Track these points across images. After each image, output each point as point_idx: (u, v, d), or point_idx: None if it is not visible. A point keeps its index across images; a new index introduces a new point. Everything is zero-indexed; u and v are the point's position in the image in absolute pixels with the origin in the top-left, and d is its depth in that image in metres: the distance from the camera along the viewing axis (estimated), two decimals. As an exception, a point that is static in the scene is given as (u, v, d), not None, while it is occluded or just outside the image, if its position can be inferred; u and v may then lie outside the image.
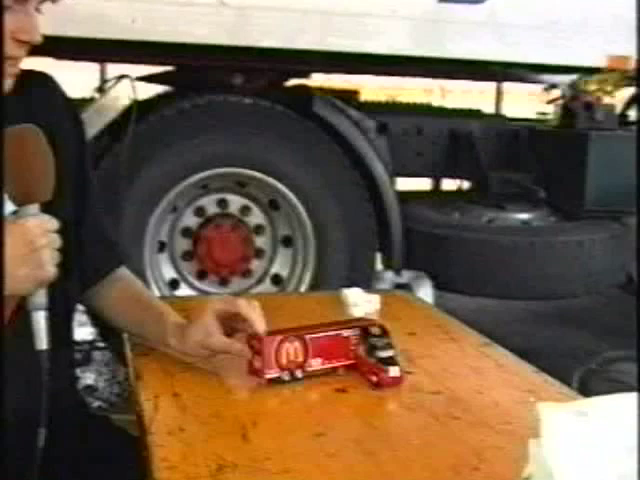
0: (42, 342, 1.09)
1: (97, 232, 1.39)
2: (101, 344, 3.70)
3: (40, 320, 1.10)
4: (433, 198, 4.25)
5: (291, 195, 3.40)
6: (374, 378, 1.26)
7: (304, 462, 1.01)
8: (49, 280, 1.10)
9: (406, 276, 3.52)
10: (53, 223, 1.10)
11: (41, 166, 1.11)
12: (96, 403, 3.19)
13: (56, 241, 1.10)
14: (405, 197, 3.77)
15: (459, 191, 4.38)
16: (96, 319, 3.29)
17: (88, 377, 3.51)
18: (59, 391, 1.17)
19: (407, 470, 1.00)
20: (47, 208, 1.11)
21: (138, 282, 1.46)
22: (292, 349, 1.28)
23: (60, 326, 1.24)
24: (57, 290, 1.16)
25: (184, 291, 3.46)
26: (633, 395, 0.66)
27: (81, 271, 1.33)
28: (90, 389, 3.36)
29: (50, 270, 1.09)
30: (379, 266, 3.70)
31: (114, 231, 1.49)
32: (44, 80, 1.31)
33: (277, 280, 3.56)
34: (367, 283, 3.28)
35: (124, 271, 1.45)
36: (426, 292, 3.35)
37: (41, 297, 1.11)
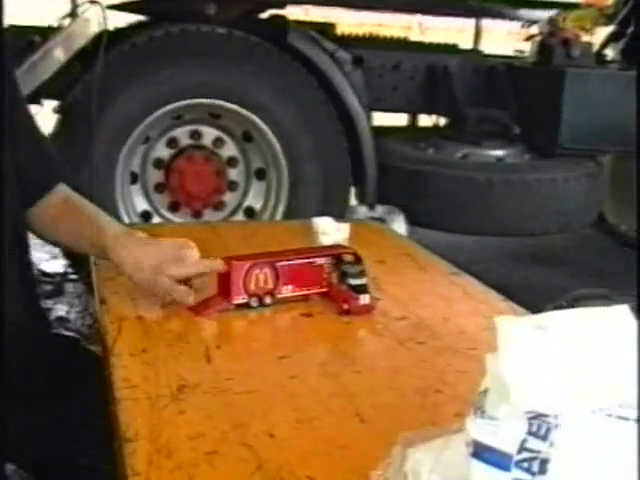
0: None
1: (33, 150, 1.34)
2: (73, 276, 3.68)
3: None
4: (408, 133, 4.23)
5: (265, 127, 3.36)
6: (345, 305, 1.26)
7: (266, 383, 1.01)
8: None
9: (380, 211, 3.50)
10: None
11: None
12: (68, 335, 3.19)
13: None
14: (380, 132, 3.74)
15: (435, 127, 4.35)
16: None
17: (60, 309, 3.49)
18: (13, 311, 1.16)
19: (371, 392, 1.00)
20: None
21: (75, 195, 1.40)
22: (262, 275, 1.27)
23: (11, 246, 1.22)
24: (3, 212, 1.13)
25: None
26: (594, 310, 0.66)
27: (21, 191, 1.28)
28: (62, 320, 3.35)
29: None
30: (353, 201, 3.69)
31: (86, 158, 1.43)
32: None
33: (250, 213, 3.54)
34: (340, 217, 3.26)
35: (62, 187, 1.40)
36: (399, 227, 3.34)
37: None
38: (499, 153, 3.82)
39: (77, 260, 3.25)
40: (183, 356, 1.08)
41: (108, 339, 1.13)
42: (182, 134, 3.44)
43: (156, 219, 3.46)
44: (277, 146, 3.38)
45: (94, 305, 1.37)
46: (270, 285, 1.28)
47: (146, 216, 3.46)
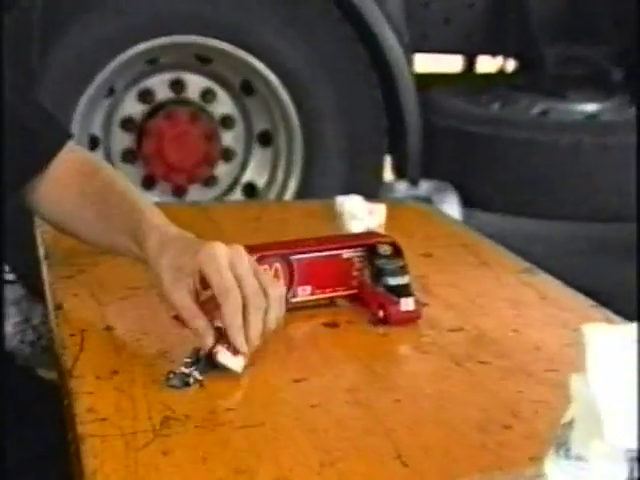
0: None
1: (29, 111, 1.39)
2: (8, 276, 3.70)
3: None
4: (465, 83, 4.22)
5: (271, 75, 3.37)
6: (381, 312, 1.29)
7: (278, 414, 1.03)
8: None
9: (425, 187, 3.51)
10: None
11: None
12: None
13: None
14: (427, 81, 3.74)
15: (501, 73, 4.35)
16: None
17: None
18: None
19: (416, 427, 1.02)
20: None
21: (96, 160, 1.44)
22: (271, 273, 1.29)
23: None
24: None
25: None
26: None
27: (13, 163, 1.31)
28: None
29: None
30: (389, 174, 3.70)
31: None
32: None
33: (251, 191, 3.55)
34: (374, 196, 3.27)
35: (72, 147, 1.43)
36: (452, 208, 3.35)
37: None
38: (592, 108, 3.80)
39: (15, 253, 3.26)
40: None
41: (66, 358, 1.15)
42: (159, 84, 3.45)
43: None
44: (287, 101, 3.39)
45: (45, 313, 1.38)
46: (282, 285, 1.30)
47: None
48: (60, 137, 1.42)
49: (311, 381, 1.12)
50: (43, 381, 1.39)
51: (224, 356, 1.11)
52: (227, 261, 1.13)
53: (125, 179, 1.39)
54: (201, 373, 1.10)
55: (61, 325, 1.25)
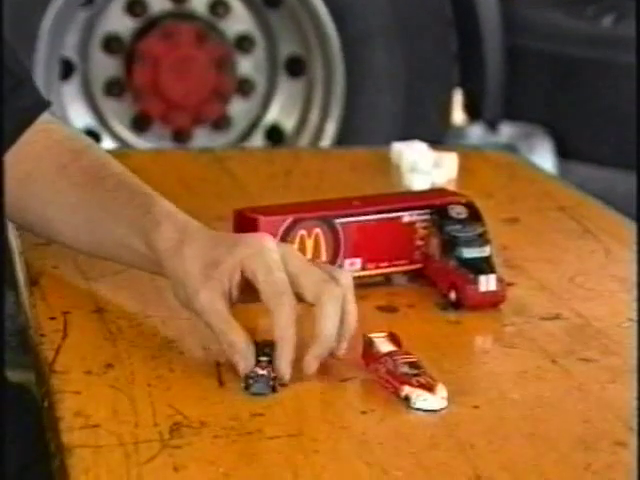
0: None
1: None
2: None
3: None
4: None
5: (304, -20, 3.40)
6: (452, 294, 1.30)
7: (319, 421, 1.05)
8: None
9: (508, 132, 3.51)
10: None
11: None
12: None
13: None
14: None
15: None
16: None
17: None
18: None
19: (499, 441, 1.02)
20: None
21: (78, 136, 1.42)
22: (310, 241, 1.32)
23: None
24: None
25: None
26: None
27: None
28: None
29: None
30: (459, 115, 3.70)
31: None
32: None
33: (275, 135, 3.56)
34: (439, 143, 3.27)
35: (46, 120, 1.39)
36: (544, 160, 3.35)
37: None
38: None
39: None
40: (178, 377, 1.12)
41: (45, 347, 1.16)
42: (153, -9, 3.48)
43: (108, 143, 3.48)
44: (325, 15, 3.38)
45: (12, 305, 1.37)
46: (324, 257, 1.32)
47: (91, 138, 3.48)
48: (33, 105, 1.39)
49: (361, 380, 1.13)
50: (10, 385, 1.41)
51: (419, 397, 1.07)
52: (278, 256, 1.13)
53: (117, 162, 1.34)
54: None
55: (38, 306, 1.26)
